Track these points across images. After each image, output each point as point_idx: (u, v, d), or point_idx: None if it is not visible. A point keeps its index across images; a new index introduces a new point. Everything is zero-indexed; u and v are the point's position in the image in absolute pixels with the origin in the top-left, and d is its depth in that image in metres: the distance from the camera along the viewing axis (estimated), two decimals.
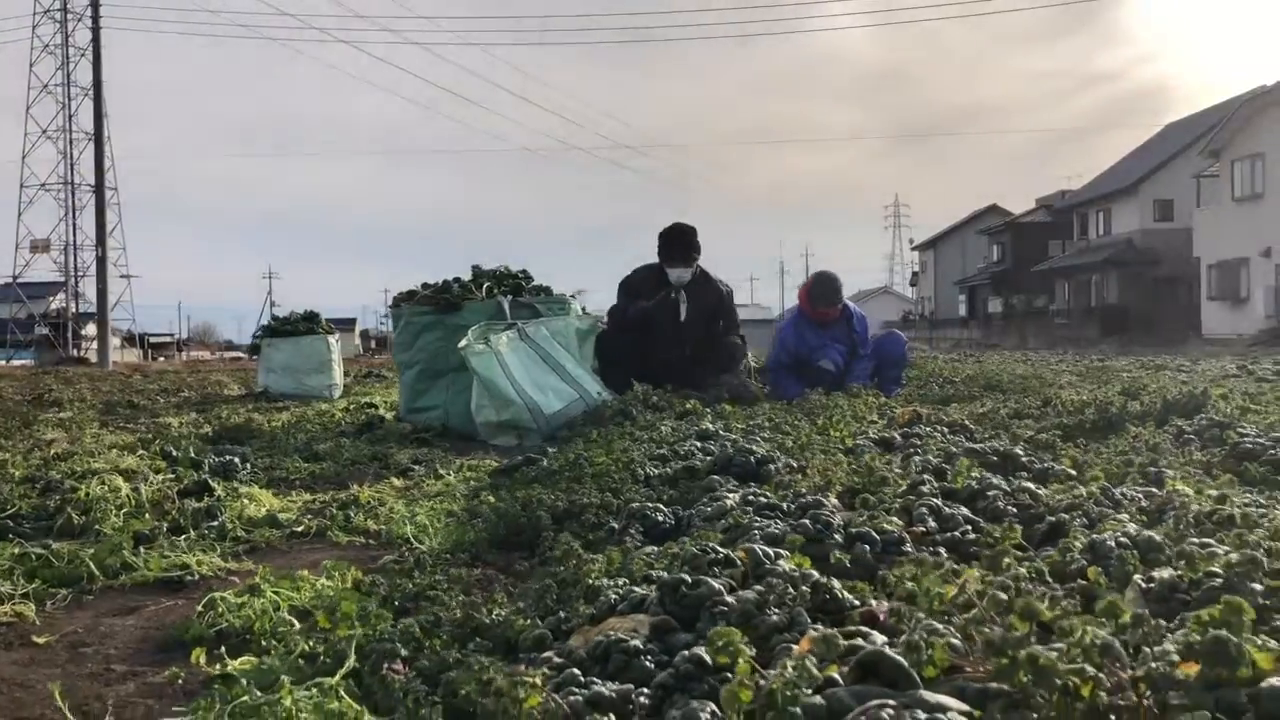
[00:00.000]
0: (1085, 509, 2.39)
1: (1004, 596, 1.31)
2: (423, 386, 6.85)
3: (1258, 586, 1.66)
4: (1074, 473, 3.28)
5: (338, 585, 2.42)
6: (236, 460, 4.65)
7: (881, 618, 1.49)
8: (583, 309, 7.65)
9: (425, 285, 7.17)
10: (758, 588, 1.65)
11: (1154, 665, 1.12)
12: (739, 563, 1.94)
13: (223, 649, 1.89)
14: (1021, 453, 3.54)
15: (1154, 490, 2.70)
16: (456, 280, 7.11)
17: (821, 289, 7.53)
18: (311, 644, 1.96)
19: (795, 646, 1.42)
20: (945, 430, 4.46)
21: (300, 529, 3.36)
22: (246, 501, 3.68)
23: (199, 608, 2.26)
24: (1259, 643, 1.17)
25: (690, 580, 1.74)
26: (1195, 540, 1.94)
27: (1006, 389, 7.48)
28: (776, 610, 1.59)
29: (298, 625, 2.06)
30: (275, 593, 2.29)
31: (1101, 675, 1.11)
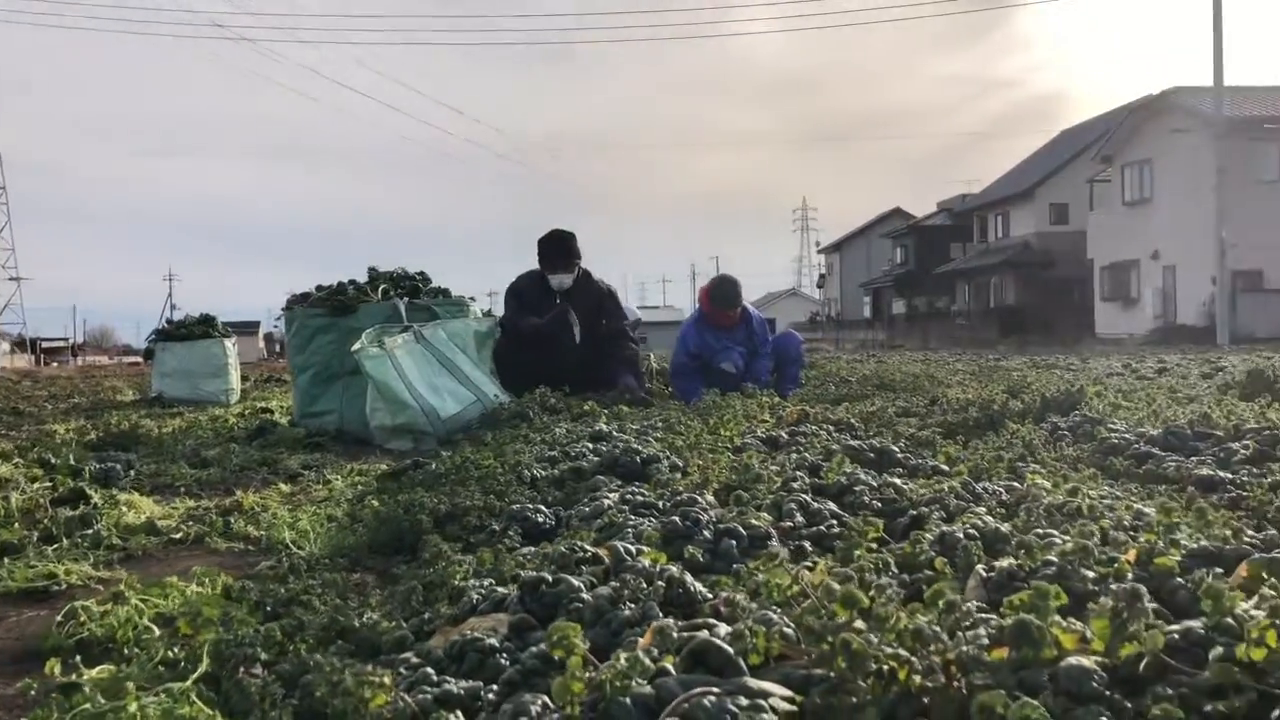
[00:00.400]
0: (945, 502, 2.48)
1: (837, 587, 1.36)
2: (317, 390, 6.77)
3: (1090, 573, 1.75)
4: (946, 468, 3.39)
5: (207, 592, 2.39)
6: (119, 467, 4.55)
7: (723, 609, 1.53)
8: (485, 311, 7.63)
9: (320, 288, 7.09)
10: (613, 583, 1.69)
11: (964, 649, 1.18)
12: (605, 560, 1.97)
13: (78, 658, 1.86)
14: (899, 449, 3.64)
15: (1015, 484, 2.80)
16: (352, 282, 7.03)
17: (721, 292, 7.65)
18: (174, 651, 1.94)
19: (641, 639, 1.45)
20: (831, 428, 4.56)
21: (179, 536, 3.30)
22: (125, 509, 3.60)
23: (59, 617, 2.21)
24: (1065, 625, 1.24)
25: (551, 579, 1.77)
26: (1040, 531, 2.03)
27: (898, 388, 7.66)
28: (631, 605, 1.62)
29: (155, 630, 2.03)
30: (141, 600, 2.25)
31: (914, 659, 1.16)
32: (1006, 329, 40.84)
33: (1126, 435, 4.06)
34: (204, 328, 11.30)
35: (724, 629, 1.49)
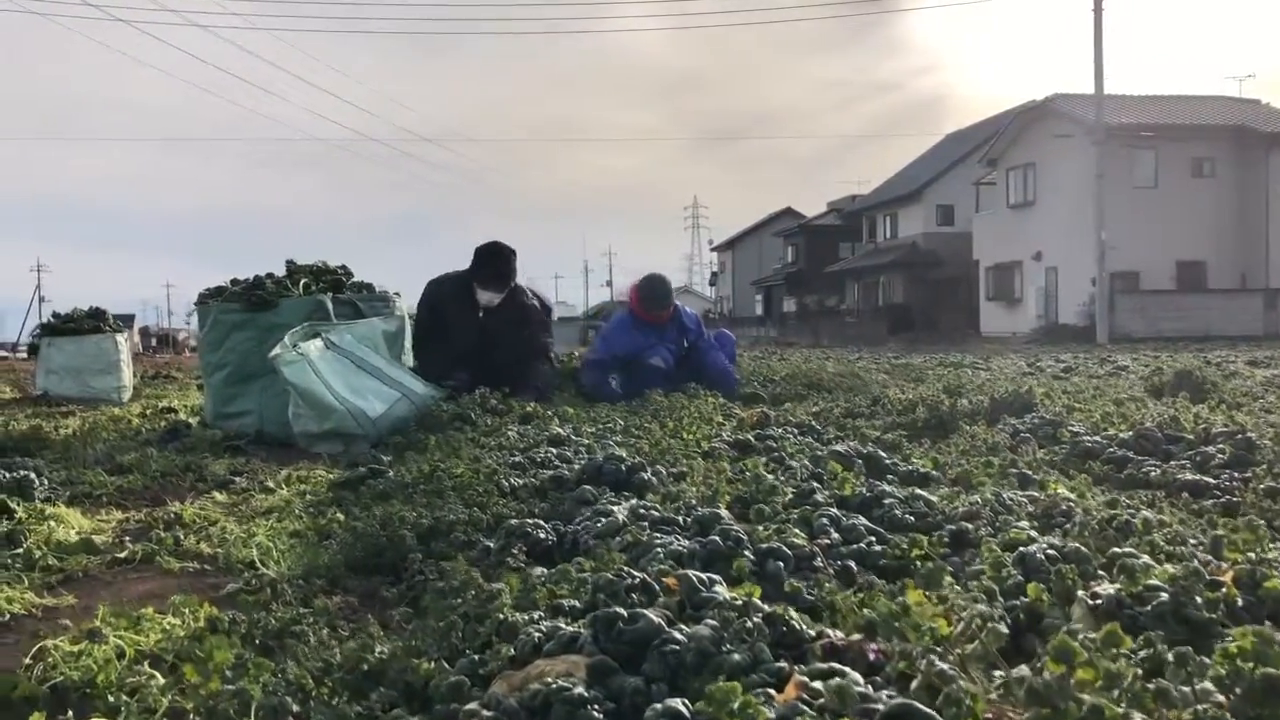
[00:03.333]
0: (983, 516, 2.37)
1: (1004, 630, 1.21)
2: (234, 390, 6.38)
3: (1199, 599, 1.64)
4: (936, 473, 3.30)
5: (188, 624, 2.14)
6: (32, 475, 4.16)
7: (872, 656, 1.37)
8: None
9: (235, 281, 6.69)
10: (710, 622, 1.51)
11: (1200, 707, 1.04)
12: (663, 590, 1.79)
13: (70, 713, 1.61)
14: (884, 454, 3.54)
15: (1035, 494, 2.71)
16: (269, 276, 6.66)
17: (653, 292, 7.48)
18: (170, 698, 1.70)
19: (775, 693, 1.28)
20: (795, 431, 4.45)
21: (124, 555, 2.99)
22: (54, 524, 3.27)
23: (26, 659, 1.93)
24: None
25: (628, 614, 1.58)
26: (1120, 550, 1.92)
27: (829, 387, 7.60)
28: (736, 648, 1.45)
29: (159, 677, 1.78)
30: (118, 637, 1.99)
31: None
32: (894, 327, 41.65)
33: (1096, 438, 4.03)
34: (94, 322, 10.66)
35: (855, 675, 1.33)
